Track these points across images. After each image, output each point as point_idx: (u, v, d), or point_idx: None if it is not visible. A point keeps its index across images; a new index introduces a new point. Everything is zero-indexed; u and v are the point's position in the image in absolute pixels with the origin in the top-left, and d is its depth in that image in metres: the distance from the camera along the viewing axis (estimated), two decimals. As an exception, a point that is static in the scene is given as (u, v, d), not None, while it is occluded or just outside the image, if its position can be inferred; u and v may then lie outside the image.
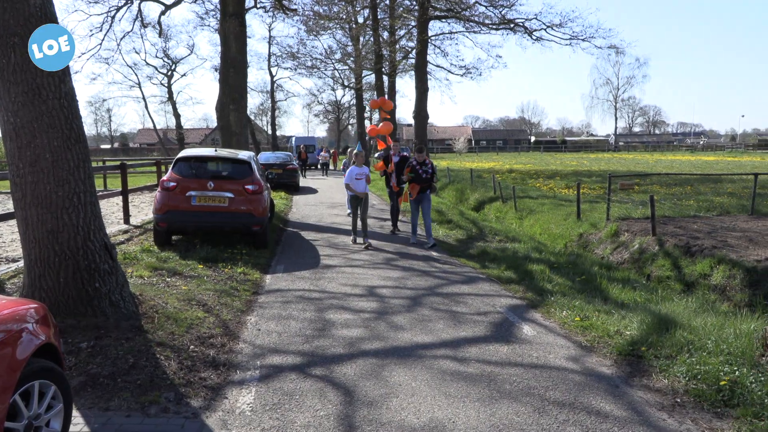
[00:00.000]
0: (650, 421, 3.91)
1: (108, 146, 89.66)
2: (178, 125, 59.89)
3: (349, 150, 14.63)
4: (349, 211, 13.06)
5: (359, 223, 11.15)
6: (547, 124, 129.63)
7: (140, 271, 7.46)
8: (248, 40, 16.67)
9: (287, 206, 17.89)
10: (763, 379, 4.23)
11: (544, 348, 5.36)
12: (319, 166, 39.40)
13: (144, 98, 64.45)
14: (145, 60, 70.50)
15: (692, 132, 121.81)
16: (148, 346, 4.89)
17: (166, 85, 58.27)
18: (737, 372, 4.36)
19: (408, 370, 4.79)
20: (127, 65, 63.66)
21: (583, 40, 24.52)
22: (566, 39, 24.66)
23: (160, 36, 47.43)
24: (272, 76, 61.39)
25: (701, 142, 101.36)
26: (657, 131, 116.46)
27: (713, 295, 8.36)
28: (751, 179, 15.18)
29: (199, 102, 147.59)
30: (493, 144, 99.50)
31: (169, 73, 57.33)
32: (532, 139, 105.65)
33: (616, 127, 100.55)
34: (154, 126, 63.33)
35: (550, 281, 7.84)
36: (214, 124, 76.70)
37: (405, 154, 12.73)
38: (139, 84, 59.27)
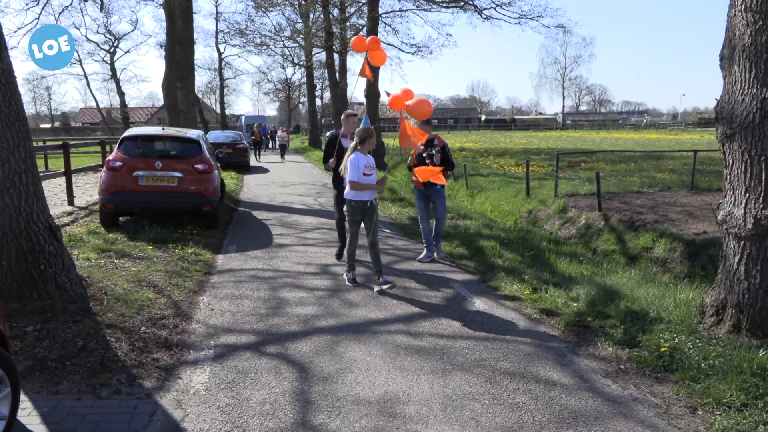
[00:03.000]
0: (595, 388, 4.09)
1: (48, 125, 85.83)
2: (123, 104, 57.86)
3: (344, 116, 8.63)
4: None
5: (357, 249, 6.97)
6: (497, 103, 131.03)
7: (87, 253, 7.24)
8: (194, 15, 16.19)
9: (238, 186, 17.62)
10: (700, 345, 4.47)
11: (495, 321, 5.50)
12: (277, 147, 34.96)
13: (86, 76, 61.58)
14: (85, 36, 67.41)
15: (636, 111, 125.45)
16: (98, 329, 4.78)
17: (108, 62, 55.99)
18: (676, 339, 4.59)
19: (362, 345, 4.85)
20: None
21: (531, 19, 24.78)
22: (515, 18, 24.88)
23: (101, 11, 45.32)
24: (220, 54, 59.75)
25: (644, 121, 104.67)
26: (603, 110, 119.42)
27: (655, 268, 8.71)
28: (691, 156, 15.80)
29: (145, 80, 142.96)
30: (444, 123, 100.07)
31: (112, 50, 55.09)
32: (483, 117, 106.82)
33: (563, 106, 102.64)
34: (97, 105, 60.99)
35: (501, 257, 8.02)
36: (160, 102, 74.50)
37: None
38: (80, 61, 56.62)
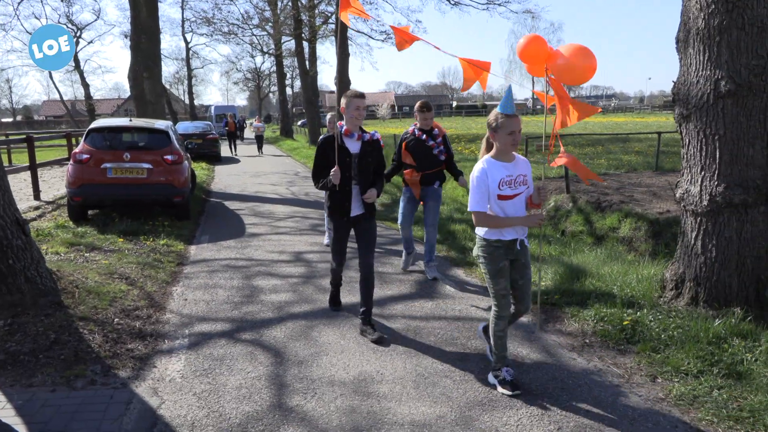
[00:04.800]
0: (562, 361, 4.24)
1: (10, 119, 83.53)
2: (87, 95, 56.53)
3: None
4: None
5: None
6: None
7: (56, 247, 7.16)
8: (160, 4, 15.93)
9: (209, 177, 17.48)
10: (660, 317, 4.66)
11: (466, 302, 5.63)
12: (253, 138, 32.77)
13: (47, 67, 60.18)
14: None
15: (604, 95, 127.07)
16: (70, 321, 4.77)
17: (71, 52, 54.68)
18: (638, 313, 4.77)
19: (336, 329, 4.93)
20: (27, 32, 59.06)
21: (499, 5, 24.92)
22: (483, 3, 25.00)
23: (62, 0, 44.27)
24: (187, 43, 58.76)
25: (612, 104, 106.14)
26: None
27: (621, 246, 8.95)
28: (656, 138, 16.15)
29: (110, 71, 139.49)
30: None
31: (75, 41, 53.84)
32: (454, 104, 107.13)
33: (533, 91, 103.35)
34: (61, 97, 59.49)
35: (472, 240, 8.16)
36: (126, 93, 73.10)
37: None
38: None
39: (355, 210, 4.81)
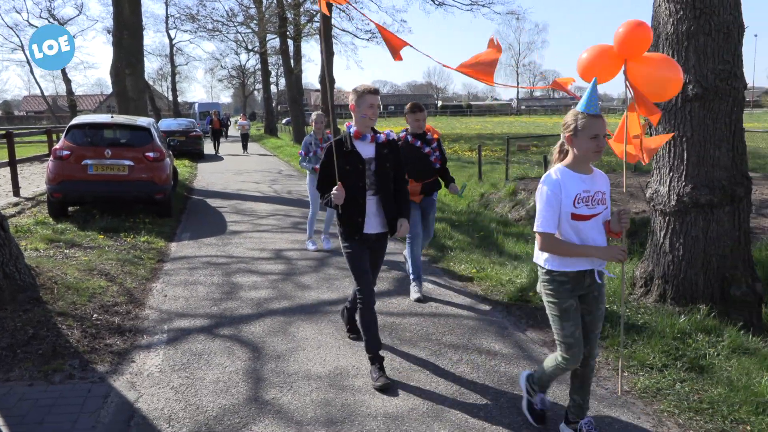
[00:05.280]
0: (533, 356, 4.36)
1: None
2: (69, 91, 55.88)
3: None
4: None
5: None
6: (454, 89, 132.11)
7: (35, 243, 7.16)
8: (143, 0, 15.87)
9: (192, 174, 17.44)
10: (629, 313, 4.80)
11: (443, 298, 5.73)
12: (236, 136, 31.57)
13: (29, 62, 59.23)
14: (27, 20, 64.65)
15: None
16: (49, 317, 4.80)
17: (53, 47, 54.02)
18: (609, 309, 4.90)
19: (314, 325, 5.01)
20: (8, 26, 58.38)
21: (483, 6, 25.16)
22: (467, 4, 25.22)
23: (44, -5, 43.82)
24: (171, 39, 58.27)
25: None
26: (556, 95, 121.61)
27: (598, 246, 9.15)
28: (635, 139, 16.44)
29: (92, 66, 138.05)
30: (401, 109, 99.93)
31: (57, 35, 53.16)
32: (439, 103, 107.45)
33: (518, 92, 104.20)
34: (42, 92, 58.73)
35: (451, 238, 8.27)
36: (108, 89, 72.20)
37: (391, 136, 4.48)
38: (22, 47, 54.25)
39: (371, 227, 3.99)
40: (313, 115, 7.65)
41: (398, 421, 3.43)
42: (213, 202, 12.02)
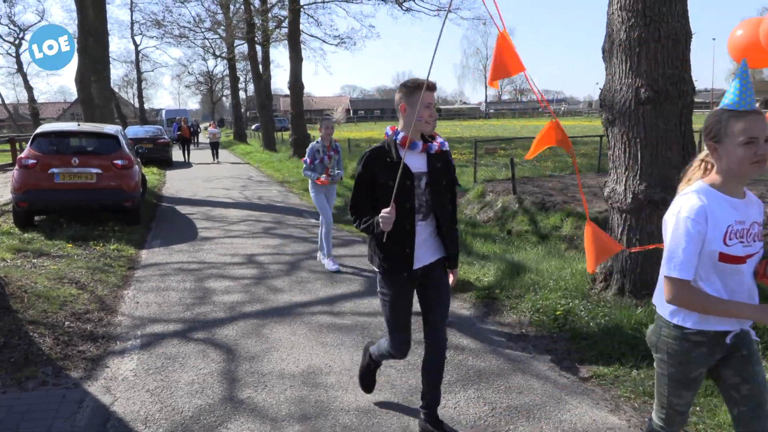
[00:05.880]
0: (499, 350, 4.53)
1: (-53, 124, 79.95)
2: (32, 99, 54.66)
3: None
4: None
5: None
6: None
7: (2, 253, 7.09)
8: (108, 6, 15.73)
9: (161, 181, 17.31)
10: (590, 307, 5.01)
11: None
12: (206, 143, 30.20)
13: (-14, 70, 58.04)
14: (-15, 27, 63.19)
15: (555, 99, 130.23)
16: (19, 325, 4.80)
17: (14, 55, 52.78)
18: (570, 303, 5.11)
19: (287, 326, 5.11)
20: (-34, 32, 56.80)
21: (449, 11, 25.46)
22: (434, 9, 25.48)
23: (3, 1, 42.77)
24: (137, 46, 57.49)
25: (562, 108, 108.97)
26: (524, 99, 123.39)
27: (564, 245, 9.40)
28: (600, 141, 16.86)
29: (55, 73, 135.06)
30: (371, 113, 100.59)
31: (17, 42, 51.92)
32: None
33: (486, 96, 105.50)
34: (2, 100, 57.43)
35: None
36: (72, 97, 70.87)
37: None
38: (-20, 54, 53.25)
39: (423, 258, 3.16)
40: (324, 121, 6.99)
41: (370, 414, 3.56)
42: (183, 209, 11.99)
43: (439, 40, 3.02)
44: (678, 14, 4.85)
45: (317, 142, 6.98)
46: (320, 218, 7.27)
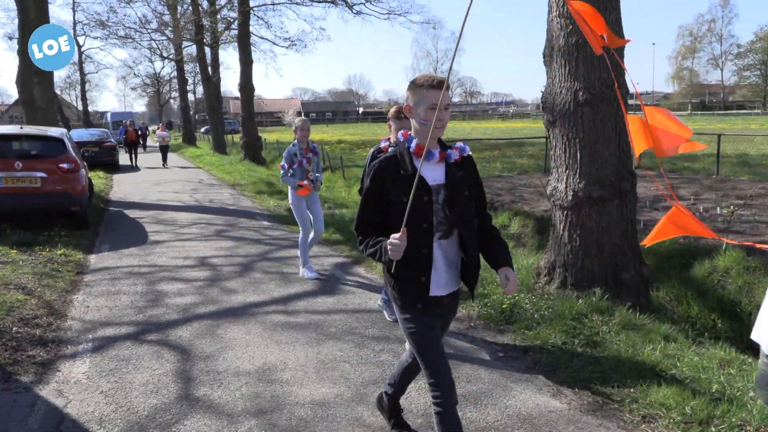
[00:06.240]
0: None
1: None
2: (-33, 101, 52.44)
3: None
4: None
5: None
6: (375, 96, 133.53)
7: (-58, 260, 6.87)
8: (50, 6, 15.29)
9: (107, 185, 16.93)
10: (534, 299, 5.25)
11: (365, 296, 6.01)
12: (154, 146, 29.61)
13: None
14: None
15: (504, 101, 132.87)
16: (-35, 332, 4.70)
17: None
18: (516, 297, 5.34)
19: (241, 326, 5.16)
20: None
21: (399, 15, 25.78)
22: (384, 13, 25.77)
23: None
24: (80, 47, 55.69)
25: (511, 111, 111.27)
26: (474, 101, 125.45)
27: (512, 242, 9.72)
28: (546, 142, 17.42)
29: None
30: (323, 116, 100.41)
31: (-50, 41, 49.75)
32: (361, 110, 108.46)
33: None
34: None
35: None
36: (10, 98, 68.26)
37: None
38: None
39: (441, 285, 2.71)
40: (297, 121, 6.49)
41: (325, 407, 3.67)
42: (132, 213, 11.79)
43: (458, 41, 2.83)
44: (612, 21, 5.15)
45: (293, 145, 6.54)
46: (300, 228, 6.73)
